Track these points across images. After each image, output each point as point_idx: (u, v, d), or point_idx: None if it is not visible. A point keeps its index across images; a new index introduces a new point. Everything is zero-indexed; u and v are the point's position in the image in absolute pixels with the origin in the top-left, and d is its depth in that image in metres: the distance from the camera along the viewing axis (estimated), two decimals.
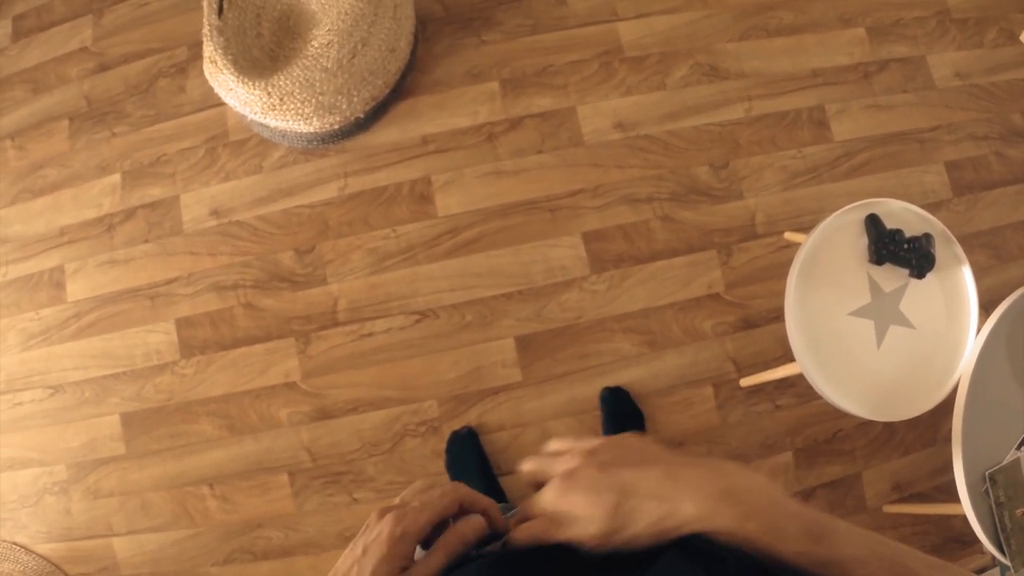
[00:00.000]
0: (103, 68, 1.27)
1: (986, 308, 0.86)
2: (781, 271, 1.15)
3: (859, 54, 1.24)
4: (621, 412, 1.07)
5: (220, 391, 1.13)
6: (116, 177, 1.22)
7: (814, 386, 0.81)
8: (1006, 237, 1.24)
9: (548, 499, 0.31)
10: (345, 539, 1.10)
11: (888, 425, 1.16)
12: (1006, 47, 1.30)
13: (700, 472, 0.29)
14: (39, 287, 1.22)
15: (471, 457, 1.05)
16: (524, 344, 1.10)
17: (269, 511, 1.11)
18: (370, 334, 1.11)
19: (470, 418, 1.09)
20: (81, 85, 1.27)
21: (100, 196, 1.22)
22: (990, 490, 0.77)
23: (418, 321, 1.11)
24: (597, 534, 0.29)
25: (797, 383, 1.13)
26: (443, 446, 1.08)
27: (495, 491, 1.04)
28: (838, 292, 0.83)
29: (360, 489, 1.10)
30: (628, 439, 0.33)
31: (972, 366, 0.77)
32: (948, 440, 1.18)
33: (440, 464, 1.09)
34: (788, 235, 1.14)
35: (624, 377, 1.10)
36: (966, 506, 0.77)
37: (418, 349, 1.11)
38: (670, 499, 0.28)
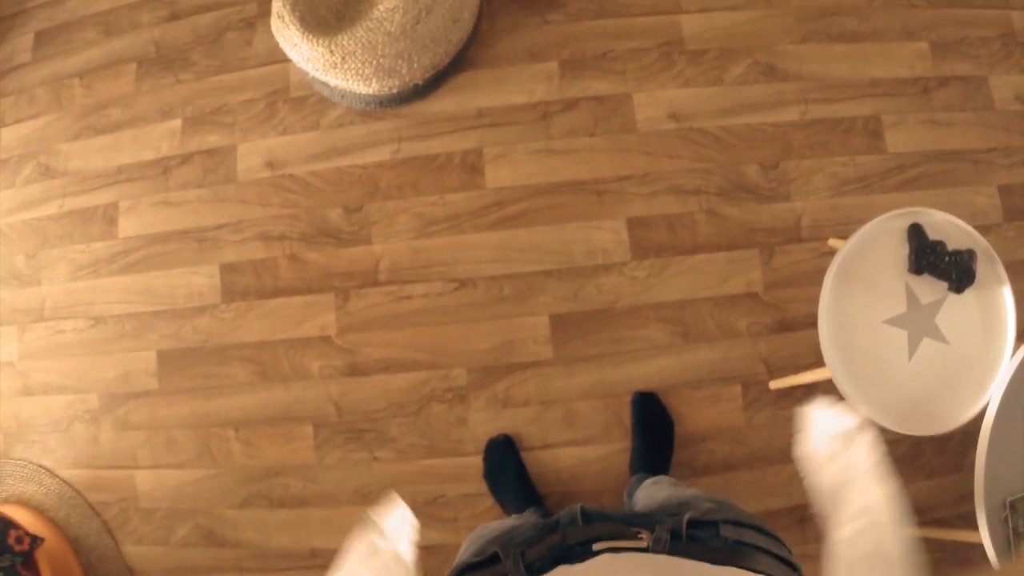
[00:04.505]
0: (174, 17, 1.31)
1: (1023, 338, 0.85)
2: (821, 277, 1.13)
3: (920, 68, 1.23)
4: (652, 419, 1.07)
5: (256, 338, 1.15)
6: (177, 122, 1.25)
7: (840, 390, 0.80)
8: None
9: None
10: (362, 496, 1.11)
11: (915, 446, 1.14)
12: None
13: None
14: (92, 221, 1.26)
15: (509, 464, 1.05)
16: (558, 322, 1.11)
17: (290, 460, 1.13)
18: (408, 296, 1.13)
19: (497, 390, 1.10)
20: (152, 31, 1.31)
21: (160, 139, 1.26)
22: (1009, 518, 0.75)
23: (456, 289, 1.13)
24: None
25: (828, 391, 1.11)
26: (468, 414, 1.09)
27: (532, 497, 1.04)
28: (874, 298, 0.82)
29: (382, 448, 1.11)
30: None
31: (1003, 389, 0.76)
32: (974, 469, 1.15)
33: (463, 433, 1.10)
34: (832, 242, 1.13)
35: (654, 366, 1.10)
36: (983, 530, 0.75)
37: (453, 316, 1.12)
38: None
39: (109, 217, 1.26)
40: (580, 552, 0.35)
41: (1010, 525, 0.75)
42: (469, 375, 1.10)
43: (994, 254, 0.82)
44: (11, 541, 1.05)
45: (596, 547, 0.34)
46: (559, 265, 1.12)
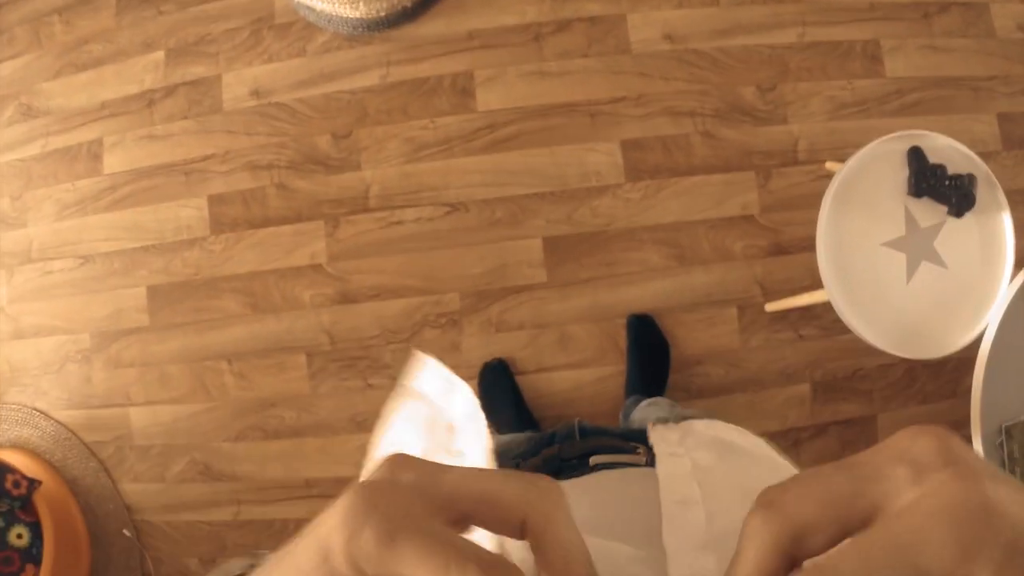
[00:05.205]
0: None
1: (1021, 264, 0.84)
2: (819, 200, 1.12)
3: None
4: (647, 342, 1.06)
5: (246, 269, 1.14)
6: (160, 54, 1.22)
7: (838, 312, 0.79)
8: None
9: None
10: (356, 424, 1.11)
11: (909, 371, 1.14)
12: None
13: None
14: (77, 159, 1.24)
15: (504, 388, 1.05)
16: (552, 245, 1.10)
17: (284, 391, 1.12)
18: (399, 222, 1.11)
19: (491, 314, 1.09)
20: None
21: (143, 73, 1.23)
22: (1004, 443, 0.76)
23: (448, 213, 1.11)
24: None
25: (823, 315, 1.11)
26: (461, 340, 1.08)
27: (528, 420, 1.04)
28: (873, 221, 0.82)
29: (376, 375, 1.11)
30: None
31: (1001, 315, 0.75)
32: (969, 395, 1.16)
33: (456, 358, 1.09)
34: (830, 164, 1.11)
35: (649, 289, 1.09)
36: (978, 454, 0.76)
37: (445, 241, 1.11)
38: None
39: (94, 154, 1.23)
40: (577, 466, 0.34)
41: (1005, 450, 0.76)
42: (462, 300, 1.09)
43: (994, 179, 0.81)
44: (8, 486, 1.04)
45: (593, 460, 0.34)
46: (552, 188, 1.10)
